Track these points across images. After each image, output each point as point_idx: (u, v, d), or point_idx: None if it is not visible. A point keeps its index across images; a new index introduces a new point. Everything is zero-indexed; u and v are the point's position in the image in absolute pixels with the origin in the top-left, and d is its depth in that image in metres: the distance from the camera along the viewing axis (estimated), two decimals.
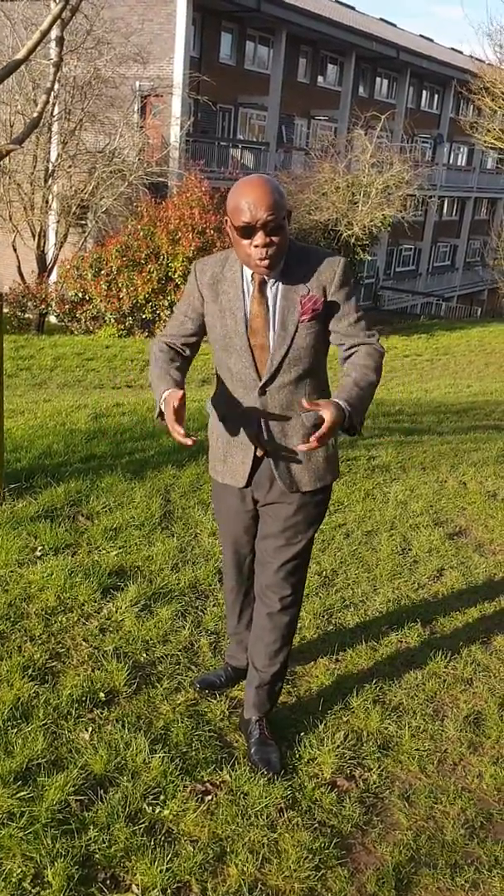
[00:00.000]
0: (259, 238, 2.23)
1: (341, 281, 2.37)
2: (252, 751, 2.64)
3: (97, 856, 2.23)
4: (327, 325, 2.41)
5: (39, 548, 3.89)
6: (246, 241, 2.25)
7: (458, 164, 37.96)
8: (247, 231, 2.22)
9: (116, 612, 3.41)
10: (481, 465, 6.07)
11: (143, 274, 17.15)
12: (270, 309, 2.36)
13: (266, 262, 2.27)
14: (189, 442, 2.18)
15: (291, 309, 2.35)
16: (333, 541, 4.39)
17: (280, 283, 2.35)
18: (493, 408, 9.07)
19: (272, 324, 2.36)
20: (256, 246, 2.24)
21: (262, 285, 2.35)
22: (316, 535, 2.68)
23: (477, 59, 20.63)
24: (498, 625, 3.67)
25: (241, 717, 2.77)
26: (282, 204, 2.23)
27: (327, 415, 2.18)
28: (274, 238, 2.23)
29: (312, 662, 3.22)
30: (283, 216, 2.24)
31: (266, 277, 2.34)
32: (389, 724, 2.90)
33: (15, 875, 2.13)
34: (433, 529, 4.69)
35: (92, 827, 2.31)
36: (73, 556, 3.84)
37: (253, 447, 2.50)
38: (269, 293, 2.36)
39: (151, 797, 2.44)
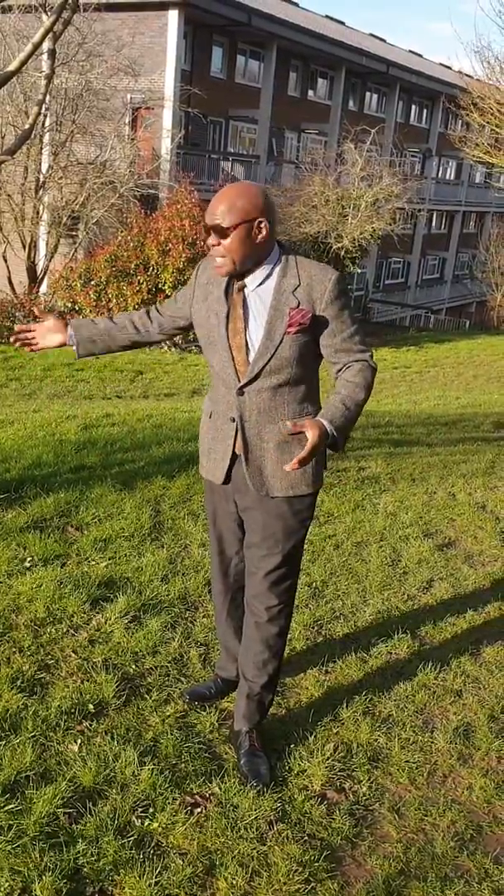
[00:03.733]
0: (210, 238, 2.32)
1: (333, 295, 2.36)
2: (242, 762, 2.63)
3: (85, 869, 2.21)
4: (317, 337, 2.41)
5: (28, 559, 3.87)
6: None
7: (447, 177, 38.26)
8: (206, 230, 2.34)
9: (106, 623, 3.39)
10: (470, 476, 6.09)
11: (133, 285, 17.19)
12: (251, 312, 2.39)
13: (215, 261, 2.35)
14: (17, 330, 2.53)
15: (280, 319, 2.36)
16: (323, 552, 4.39)
17: (260, 288, 2.38)
18: (482, 419, 9.11)
19: (251, 327, 2.39)
20: (208, 245, 2.35)
21: (240, 288, 2.39)
22: (304, 546, 2.68)
23: (466, 74, 20.76)
24: (487, 636, 3.68)
25: (231, 728, 2.77)
26: (238, 211, 2.25)
27: (310, 436, 2.23)
28: (223, 241, 2.29)
29: (302, 674, 3.22)
30: (236, 224, 2.25)
31: (245, 281, 2.38)
32: (379, 735, 2.90)
33: (2, 889, 2.11)
34: (423, 541, 4.70)
35: (80, 840, 2.29)
36: (62, 568, 3.83)
37: (231, 444, 2.52)
38: (249, 297, 2.39)
39: (140, 810, 2.43)
